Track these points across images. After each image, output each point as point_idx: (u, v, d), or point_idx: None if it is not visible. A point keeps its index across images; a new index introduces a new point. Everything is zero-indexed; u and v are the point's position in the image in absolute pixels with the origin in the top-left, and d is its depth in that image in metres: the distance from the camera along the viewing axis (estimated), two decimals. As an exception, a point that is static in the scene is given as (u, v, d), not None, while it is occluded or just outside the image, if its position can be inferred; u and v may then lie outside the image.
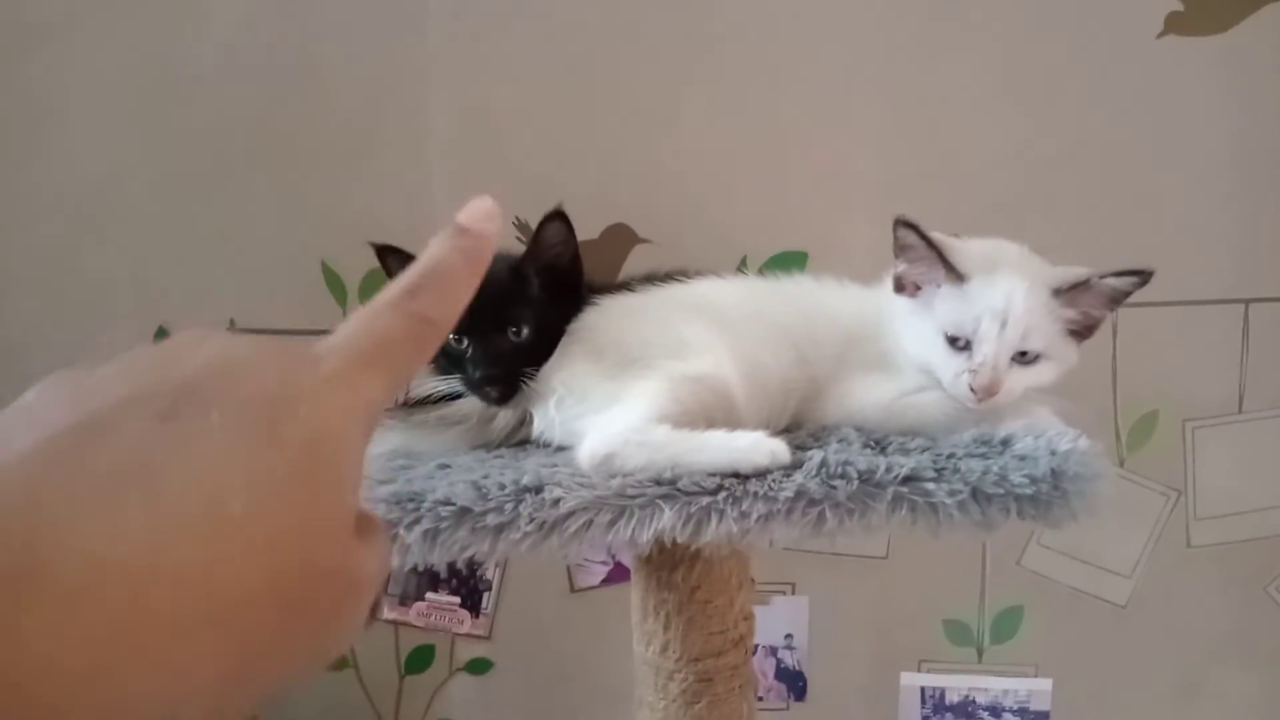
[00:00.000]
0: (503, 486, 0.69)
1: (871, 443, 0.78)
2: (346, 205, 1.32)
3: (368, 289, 1.33)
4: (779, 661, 1.42)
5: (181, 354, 0.28)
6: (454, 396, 0.88)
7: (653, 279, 0.93)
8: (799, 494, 0.68)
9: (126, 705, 0.23)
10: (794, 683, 1.42)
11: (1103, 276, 0.80)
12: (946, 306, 0.80)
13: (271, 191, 1.32)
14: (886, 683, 1.43)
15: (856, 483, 0.69)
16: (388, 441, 0.83)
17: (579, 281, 0.90)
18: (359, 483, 0.29)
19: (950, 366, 0.79)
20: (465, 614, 1.38)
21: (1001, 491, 0.69)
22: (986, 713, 1.44)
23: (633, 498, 0.69)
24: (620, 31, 1.31)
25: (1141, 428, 1.41)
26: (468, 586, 1.38)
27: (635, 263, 1.32)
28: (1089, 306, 0.81)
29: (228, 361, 0.28)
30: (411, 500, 0.68)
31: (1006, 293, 0.78)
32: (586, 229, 1.17)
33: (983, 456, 0.73)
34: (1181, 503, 1.43)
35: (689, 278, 0.93)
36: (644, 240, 1.33)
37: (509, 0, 1.30)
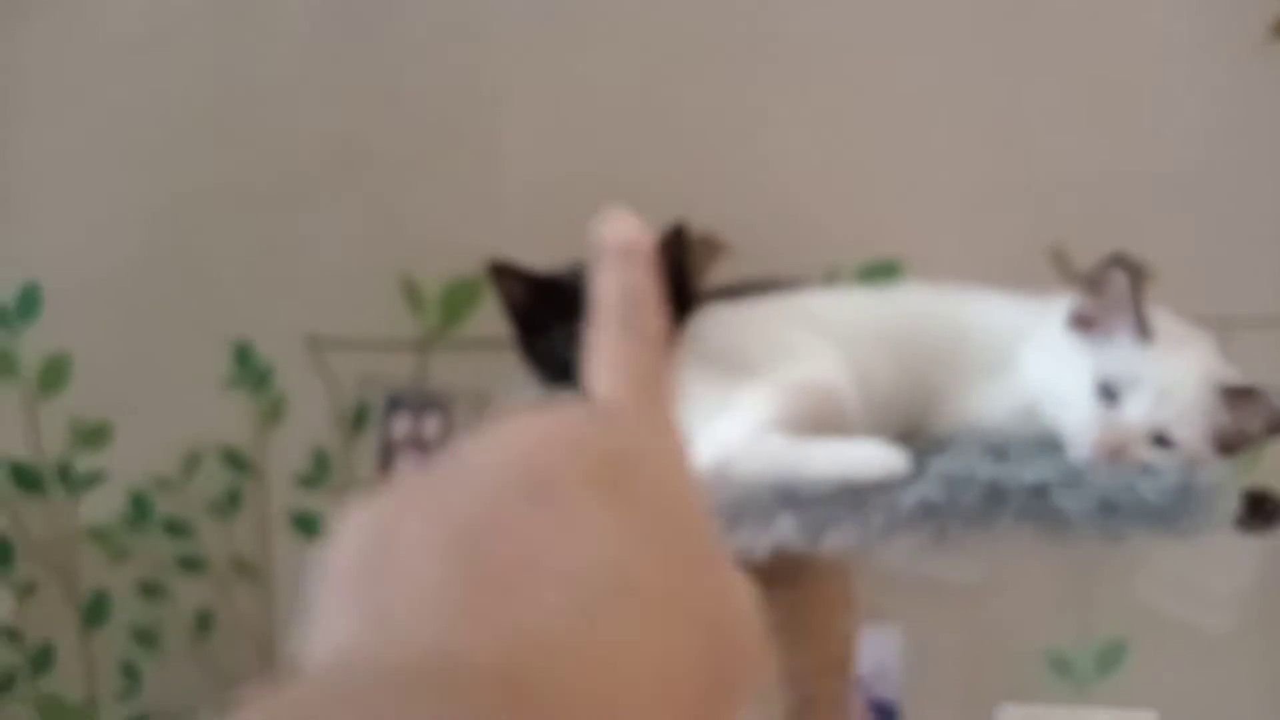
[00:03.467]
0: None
1: (991, 451, 0.73)
2: (424, 216, 1.31)
3: (448, 301, 1.31)
4: (870, 693, 1.36)
5: (505, 443, 0.27)
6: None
7: (752, 286, 0.90)
8: (922, 503, 0.64)
9: None
10: (885, 716, 1.36)
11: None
12: (1117, 355, 0.75)
13: (348, 202, 1.32)
14: (982, 716, 1.36)
15: (980, 491, 0.64)
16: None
17: (690, 294, 0.88)
18: (706, 510, 0.28)
19: (1087, 412, 0.74)
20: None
21: (1131, 503, 0.64)
22: (1089, 749, 1.36)
23: (750, 505, 0.65)
24: (698, 37, 1.29)
25: (1249, 454, 1.32)
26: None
27: (717, 272, 1.29)
28: (1246, 420, 0.76)
29: (559, 437, 0.27)
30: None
31: (1183, 373, 0.74)
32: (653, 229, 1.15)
33: (1111, 473, 0.68)
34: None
35: (788, 285, 0.91)
36: (729, 250, 1.30)
37: (585, 7, 1.29)
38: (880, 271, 1.28)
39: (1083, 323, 0.77)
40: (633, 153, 1.29)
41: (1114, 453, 0.72)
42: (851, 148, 1.31)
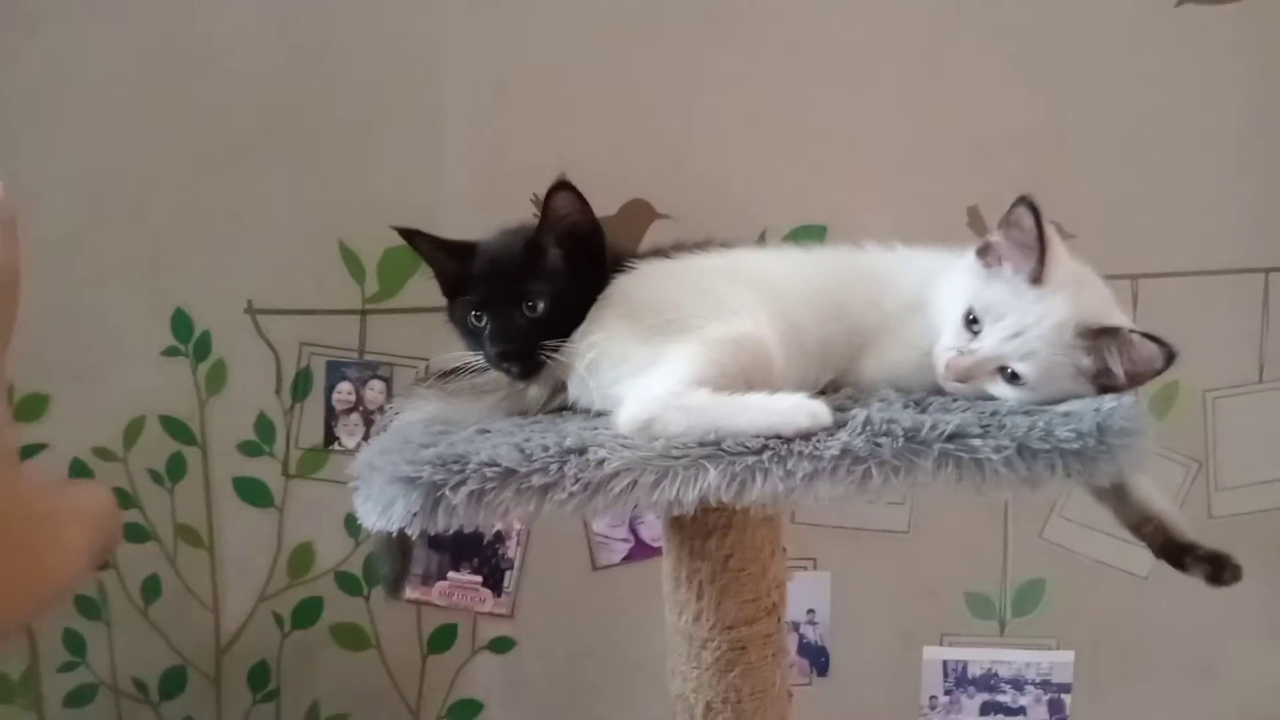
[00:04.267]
0: (546, 449, 0.69)
1: (912, 402, 0.78)
2: (362, 185, 1.31)
3: (385, 267, 1.32)
4: (801, 637, 1.42)
5: None
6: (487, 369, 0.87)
7: (684, 247, 0.92)
8: (844, 452, 0.68)
9: None
10: (816, 658, 1.42)
11: (1132, 331, 0.79)
12: (997, 289, 0.79)
13: (287, 172, 1.31)
14: (909, 657, 1.43)
15: (902, 439, 0.68)
16: (424, 410, 0.83)
17: (602, 250, 0.90)
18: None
19: (950, 336, 0.79)
20: (487, 593, 1.38)
21: (1047, 447, 0.69)
22: (1009, 685, 1.44)
23: (677, 458, 0.69)
24: (635, 7, 1.31)
25: (1162, 398, 1.40)
26: (489, 565, 1.38)
27: (653, 238, 1.31)
28: (1110, 359, 0.78)
29: None
30: (456, 462, 0.68)
31: (1041, 314, 0.77)
32: (604, 205, 1.16)
33: (1027, 414, 0.72)
34: (1202, 473, 1.43)
35: (721, 247, 0.93)
36: (662, 215, 1.33)
37: (523, -21, 1.29)
38: (808, 235, 1.32)
39: (987, 253, 0.81)
40: (570, 123, 1.30)
41: (960, 378, 0.77)
42: (781, 115, 1.34)
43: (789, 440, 0.69)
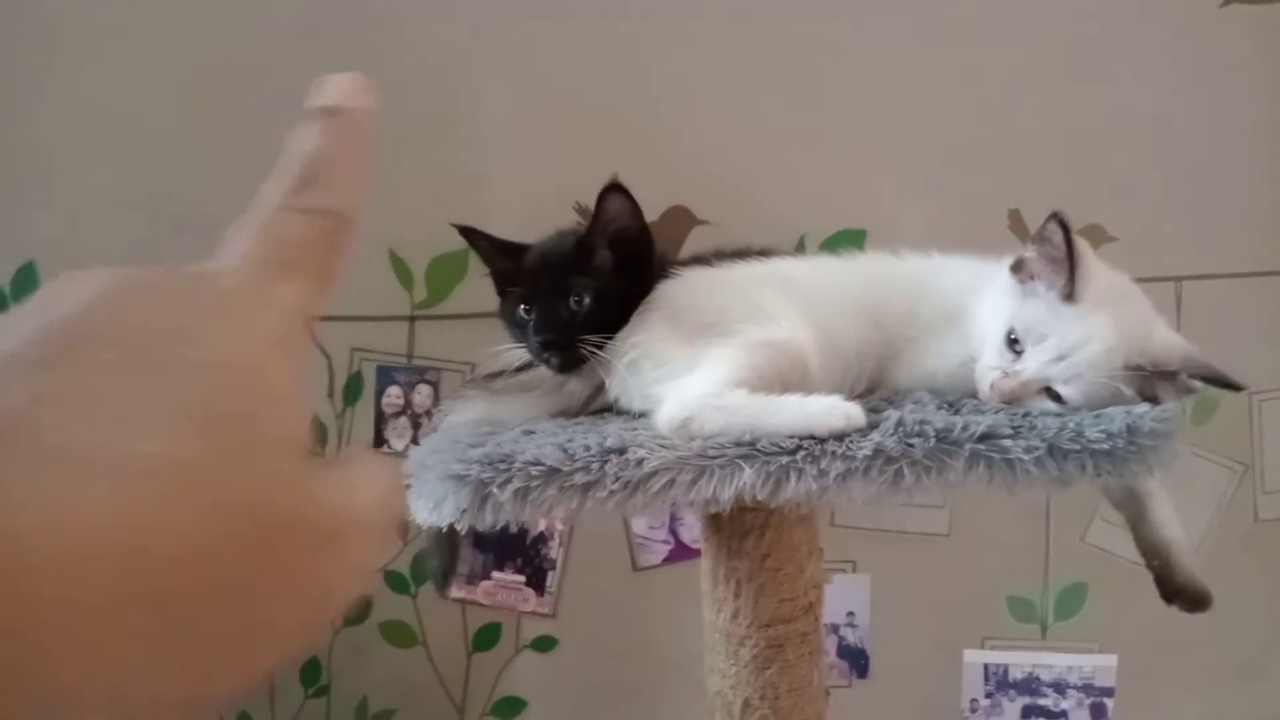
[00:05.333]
0: (588, 448, 0.72)
1: (945, 404, 0.79)
2: (411, 196, 1.35)
3: (433, 274, 1.36)
4: (841, 639, 1.43)
5: (61, 294, 0.24)
6: (531, 365, 0.90)
7: (724, 255, 0.95)
8: (877, 452, 0.70)
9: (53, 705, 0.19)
10: (856, 660, 1.43)
11: (1192, 375, 0.79)
12: (1035, 308, 0.80)
13: (339, 183, 1.35)
14: (949, 660, 1.43)
15: (933, 440, 0.70)
16: (471, 410, 0.86)
17: (650, 254, 0.92)
18: (296, 405, 0.25)
19: (992, 356, 0.80)
20: (530, 593, 1.41)
21: (1078, 448, 0.70)
22: (1051, 689, 1.44)
23: (713, 458, 0.71)
24: (673, 14, 1.33)
25: (1206, 401, 1.40)
26: (533, 566, 1.41)
27: (694, 244, 1.34)
28: (1158, 389, 0.79)
29: (114, 295, 0.24)
30: (503, 461, 0.71)
31: (1087, 336, 0.77)
32: (646, 211, 1.19)
33: (1058, 415, 0.73)
34: (1248, 476, 1.42)
35: (759, 254, 0.95)
36: (703, 222, 1.35)
37: (560, -4, 1.33)
38: (847, 240, 1.33)
39: (1020, 269, 0.82)
40: (612, 132, 1.33)
41: (1006, 400, 0.78)
42: (819, 121, 1.36)
43: (823, 441, 0.71)
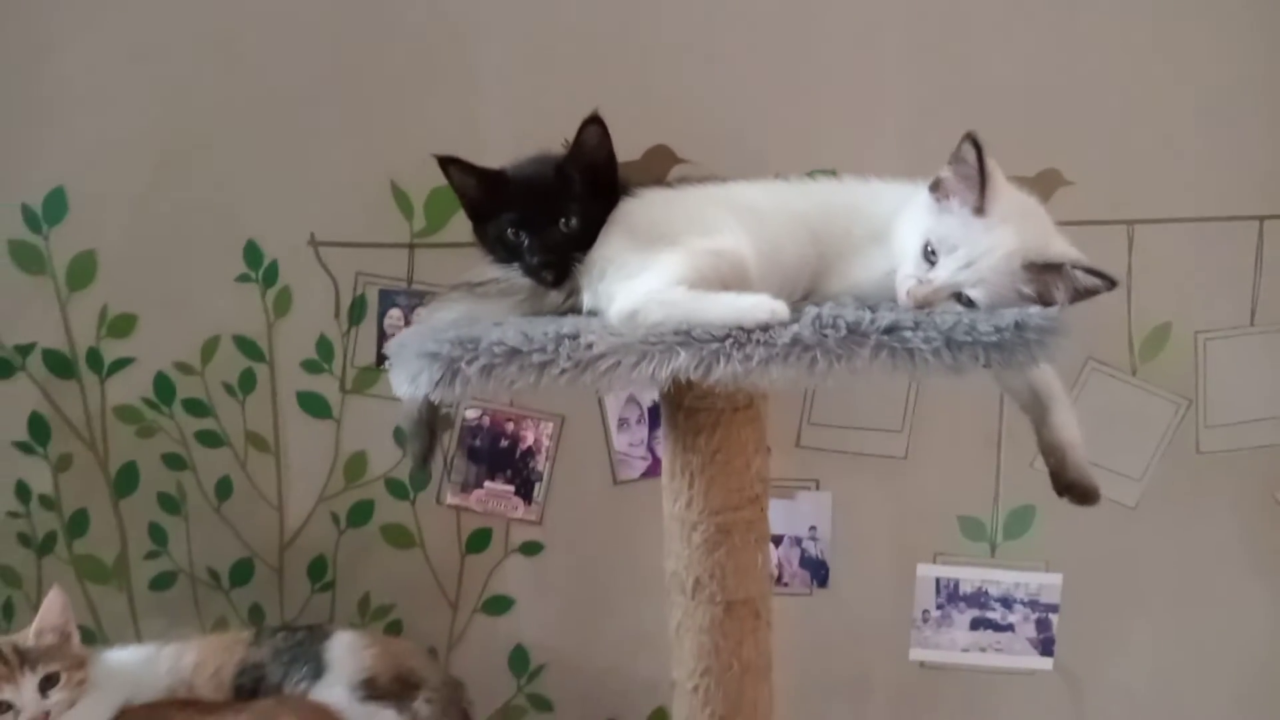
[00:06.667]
0: (546, 334, 0.83)
1: (865, 307, 0.89)
2: (411, 130, 1.45)
3: (431, 205, 1.46)
4: (803, 551, 1.54)
5: None
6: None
7: (686, 181, 1.05)
8: (795, 341, 0.80)
9: None
10: (817, 571, 1.55)
11: (1075, 266, 0.89)
12: (948, 222, 0.90)
13: (344, 119, 1.45)
14: (904, 573, 1.54)
15: (844, 331, 0.80)
16: (455, 310, 0.97)
17: (614, 178, 1.03)
18: None
19: (909, 267, 0.90)
20: (519, 501, 1.53)
21: (970, 340, 0.80)
22: (999, 603, 1.54)
23: (654, 344, 0.82)
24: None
25: (1154, 339, 1.49)
26: (521, 477, 1.53)
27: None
28: (1051, 287, 0.88)
29: None
30: (471, 342, 0.82)
31: (990, 246, 0.87)
32: (628, 150, 1.29)
33: (956, 314, 0.84)
34: (1192, 411, 1.51)
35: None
36: (683, 160, 1.44)
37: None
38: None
39: (938, 188, 0.92)
40: (597, 73, 1.42)
41: (920, 304, 0.88)
42: (797, 66, 1.44)
43: (750, 331, 0.82)
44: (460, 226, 1.44)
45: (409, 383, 0.82)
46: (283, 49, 1.44)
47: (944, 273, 0.88)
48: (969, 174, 0.89)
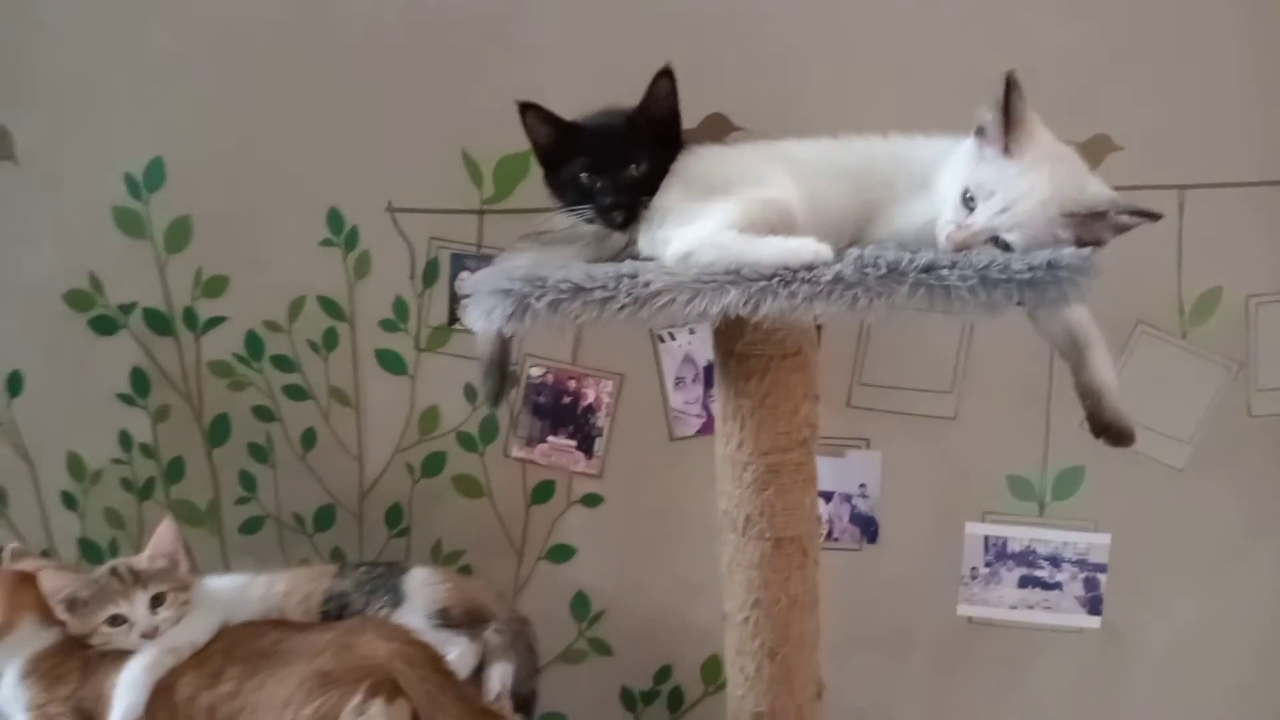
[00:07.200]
0: (607, 274, 0.90)
1: (907, 251, 0.95)
2: (480, 101, 1.53)
3: (500, 173, 1.55)
4: (853, 508, 1.60)
5: None
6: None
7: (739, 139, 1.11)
8: (837, 279, 0.87)
9: None
10: (866, 527, 1.60)
11: (1118, 211, 0.93)
12: (985, 169, 0.94)
13: (418, 90, 1.54)
14: (951, 531, 1.59)
15: (884, 270, 0.86)
16: (523, 258, 1.05)
17: (678, 130, 1.10)
18: None
19: (949, 213, 0.95)
20: (580, 455, 1.61)
21: (1005, 278, 0.85)
22: (1047, 562, 1.58)
23: (706, 282, 0.89)
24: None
25: (1205, 303, 1.51)
26: (583, 432, 1.61)
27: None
28: (1095, 231, 0.92)
29: None
30: (539, 280, 0.90)
31: (1026, 190, 0.91)
32: (687, 118, 1.34)
33: (991, 255, 0.89)
34: (1243, 374, 1.52)
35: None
36: (739, 129, 1.50)
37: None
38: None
39: (981, 134, 0.96)
40: (656, 43, 1.47)
41: (958, 248, 0.92)
42: (850, 37, 1.49)
43: (795, 271, 0.88)
44: (526, 193, 1.55)
45: (484, 317, 0.90)
46: (361, 27, 1.53)
47: (981, 218, 0.93)
48: (997, 114, 0.93)
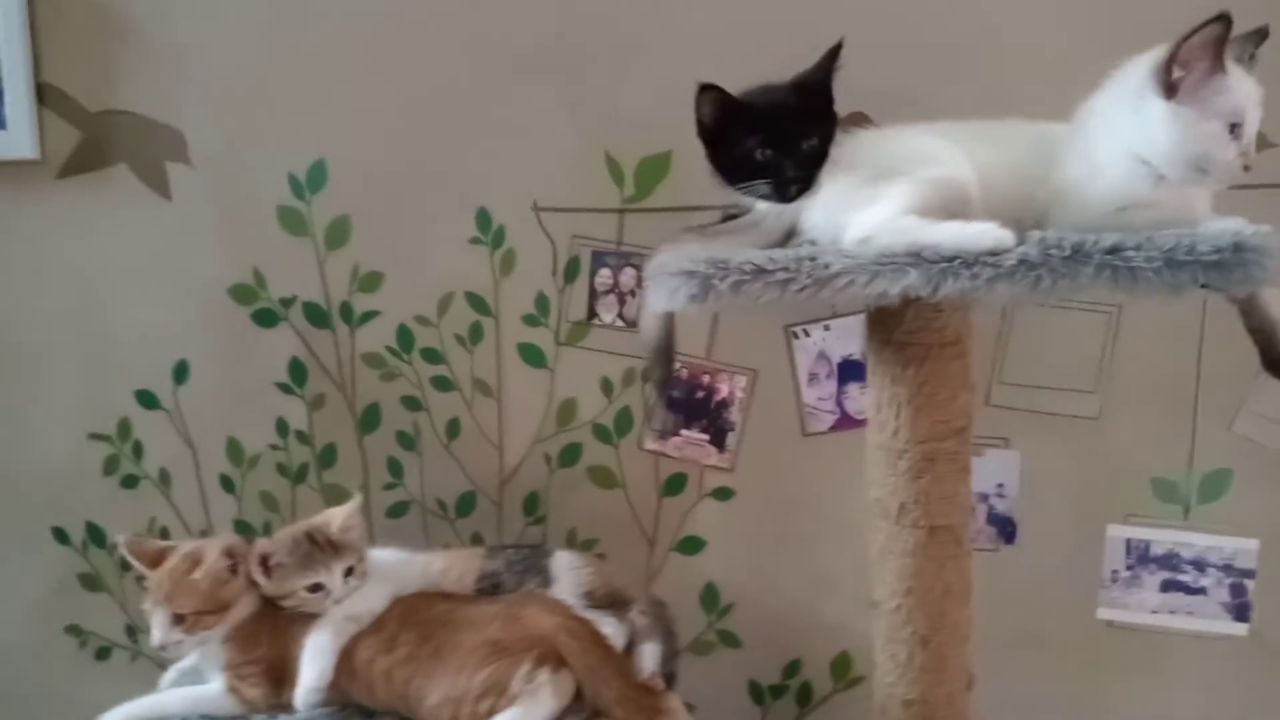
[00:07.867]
0: (787, 256, 0.94)
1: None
2: (623, 104, 1.59)
3: (640, 174, 1.60)
4: (991, 507, 1.59)
5: None
6: (732, 218, 1.12)
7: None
8: (1021, 261, 0.88)
9: None
10: (1004, 527, 1.59)
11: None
12: (1225, 97, 0.92)
13: (563, 94, 1.60)
14: (1092, 533, 1.57)
15: (1069, 251, 0.88)
16: (686, 250, 1.09)
17: (832, 105, 1.13)
18: None
19: (1229, 151, 0.92)
20: (713, 449, 1.64)
21: (1190, 259, 0.86)
22: (1191, 566, 1.55)
23: (885, 264, 0.91)
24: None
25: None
26: (715, 427, 1.64)
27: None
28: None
29: None
30: (722, 262, 0.93)
31: (1248, 86, 0.93)
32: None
33: (1176, 235, 0.89)
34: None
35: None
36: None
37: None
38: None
39: (1173, 90, 0.93)
40: (797, 39, 1.51)
41: (1245, 170, 0.92)
42: (968, 24, 1.50)
43: (976, 254, 0.90)
44: (665, 193, 1.59)
45: (667, 297, 0.94)
46: (507, 30, 1.60)
47: (1250, 132, 0.93)
48: (1207, 51, 0.91)
